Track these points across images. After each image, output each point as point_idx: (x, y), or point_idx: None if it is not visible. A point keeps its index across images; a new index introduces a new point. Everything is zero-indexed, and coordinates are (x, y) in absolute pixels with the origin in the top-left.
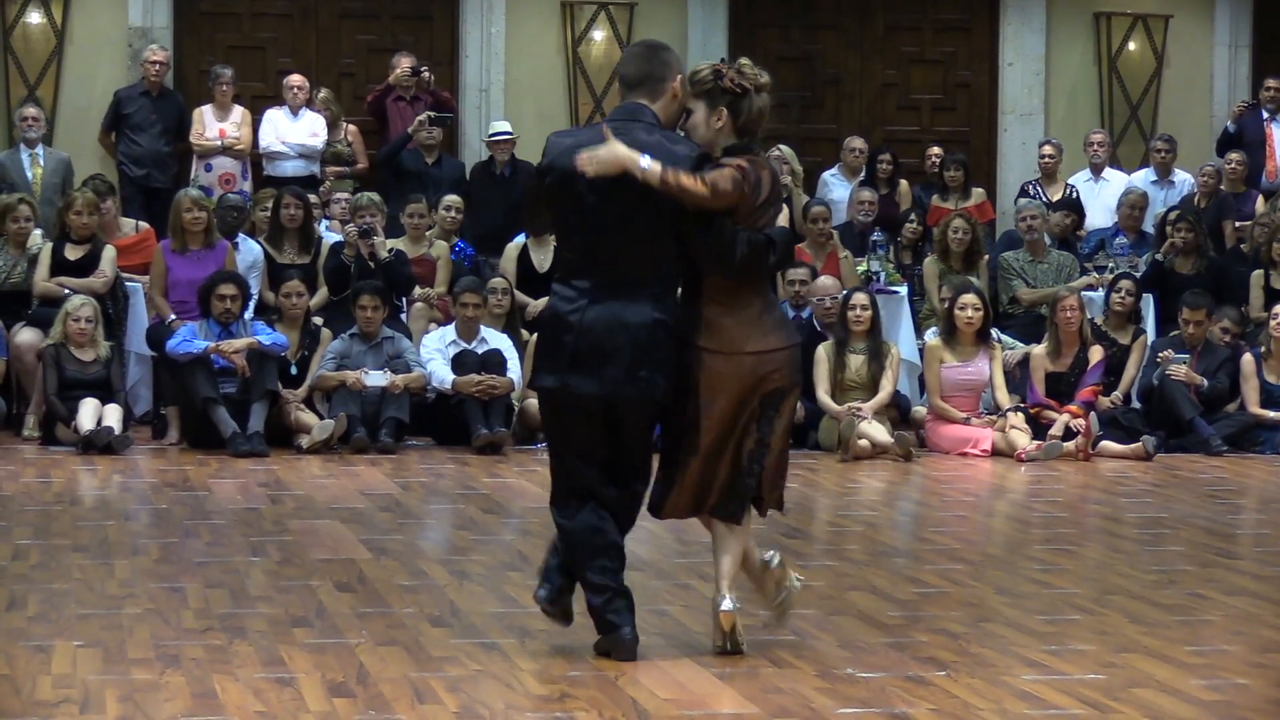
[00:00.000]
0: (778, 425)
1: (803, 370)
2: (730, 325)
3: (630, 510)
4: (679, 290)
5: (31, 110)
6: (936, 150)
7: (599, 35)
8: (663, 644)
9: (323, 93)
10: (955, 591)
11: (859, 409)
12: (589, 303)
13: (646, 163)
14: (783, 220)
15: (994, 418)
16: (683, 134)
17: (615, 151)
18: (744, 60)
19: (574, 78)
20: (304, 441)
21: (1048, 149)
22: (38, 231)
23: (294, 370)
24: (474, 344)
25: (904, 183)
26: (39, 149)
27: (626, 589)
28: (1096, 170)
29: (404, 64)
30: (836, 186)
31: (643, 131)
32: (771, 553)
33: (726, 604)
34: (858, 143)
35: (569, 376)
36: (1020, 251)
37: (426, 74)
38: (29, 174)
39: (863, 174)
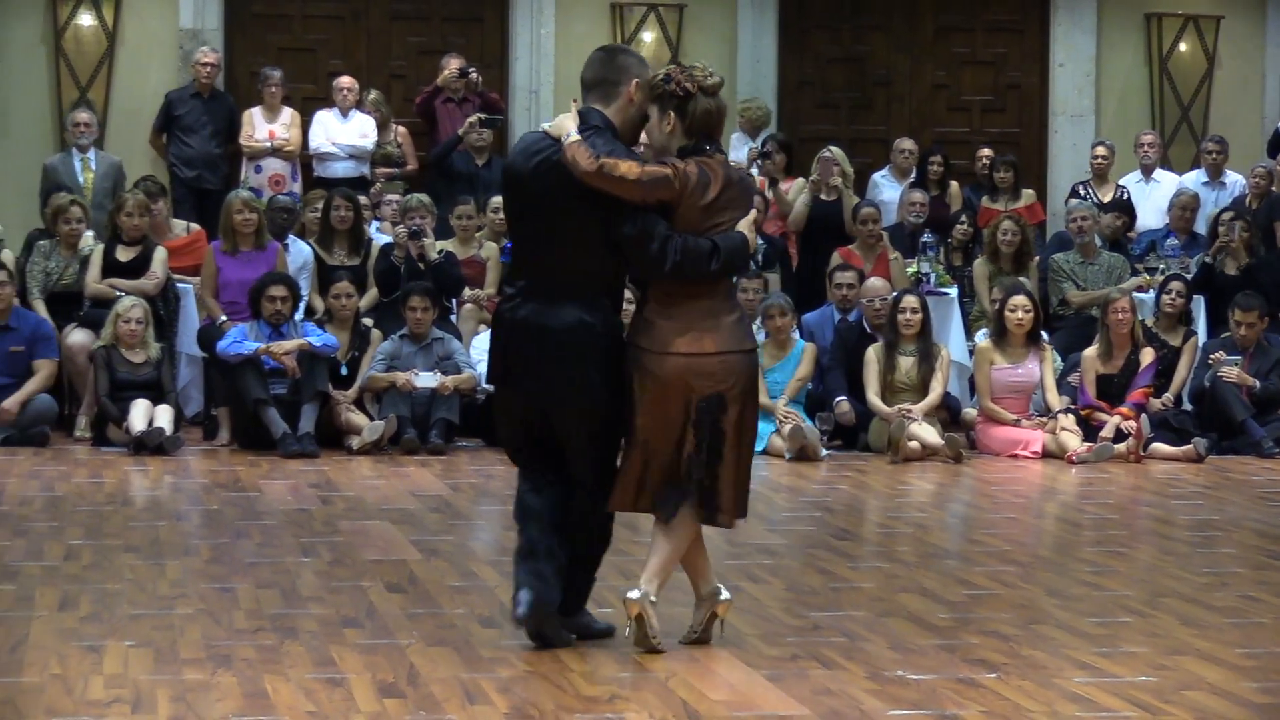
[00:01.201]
0: (727, 432)
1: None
2: (664, 325)
3: (581, 526)
4: (624, 293)
5: (83, 116)
6: (987, 152)
7: (648, 37)
8: (713, 645)
9: (373, 94)
10: (1006, 593)
11: (909, 411)
12: (520, 302)
13: (574, 136)
14: (744, 226)
15: (1044, 419)
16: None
17: (562, 122)
18: (697, 64)
19: None
20: (354, 442)
21: (1101, 150)
22: (89, 233)
23: (344, 371)
24: None
25: (954, 184)
26: (91, 152)
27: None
28: (1147, 171)
29: (452, 66)
30: (886, 188)
31: (595, 136)
32: (726, 594)
33: (633, 592)
34: (907, 144)
35: (505, 379)
36: (1071, 253)
37: (475, 75)
38: (80, 178)
39: (913, 175)
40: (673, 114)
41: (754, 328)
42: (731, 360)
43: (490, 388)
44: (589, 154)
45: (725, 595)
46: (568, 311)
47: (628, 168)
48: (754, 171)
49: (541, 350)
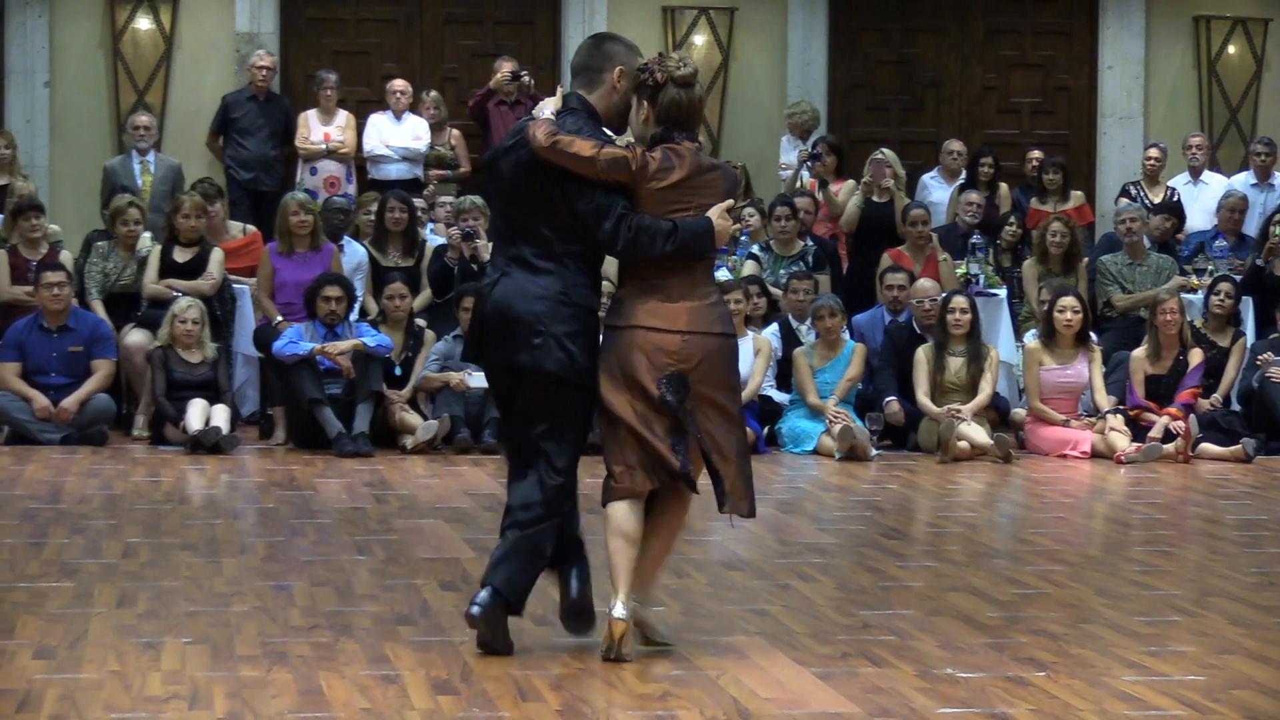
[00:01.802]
0: (697, 416)
1: (737, 369)
2: (632, 302)
3: (537, 499)
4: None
5: (143, 119)
6: (1037, 153)
7: (700, 40)
8: (764, 643)
9: (431, 94)
10: (1055, 592)
11: (958, 411)
12: (500, 277)
13: (544, 113)
14: (713, 212)
15: (1093, 420)
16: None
17: (544, 106)
18: (673, 54)
19: None
20: (408, 442)
21: (1154, 151)
22: (147, 234)
23: (398, 371)
24: None
25: (1004, 186)
26: (149, 156)
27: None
28: (1195, 173)
29: (505, 68)
30: (936, 189)
31: (569, 117)
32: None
33: (617, 610)
34: (956, 145)
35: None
36: (1119, 254)
37: (527, 78)
38: (139, 180)
39: (963, 177)
40: (646, 103)
41: (804, 328)
42: (695, 341)
43: None
44: (547, 129)
45: (619, 613)
46: (539, 284)
47: (582, 145)
48: (804, 174)
49: (513, 322)
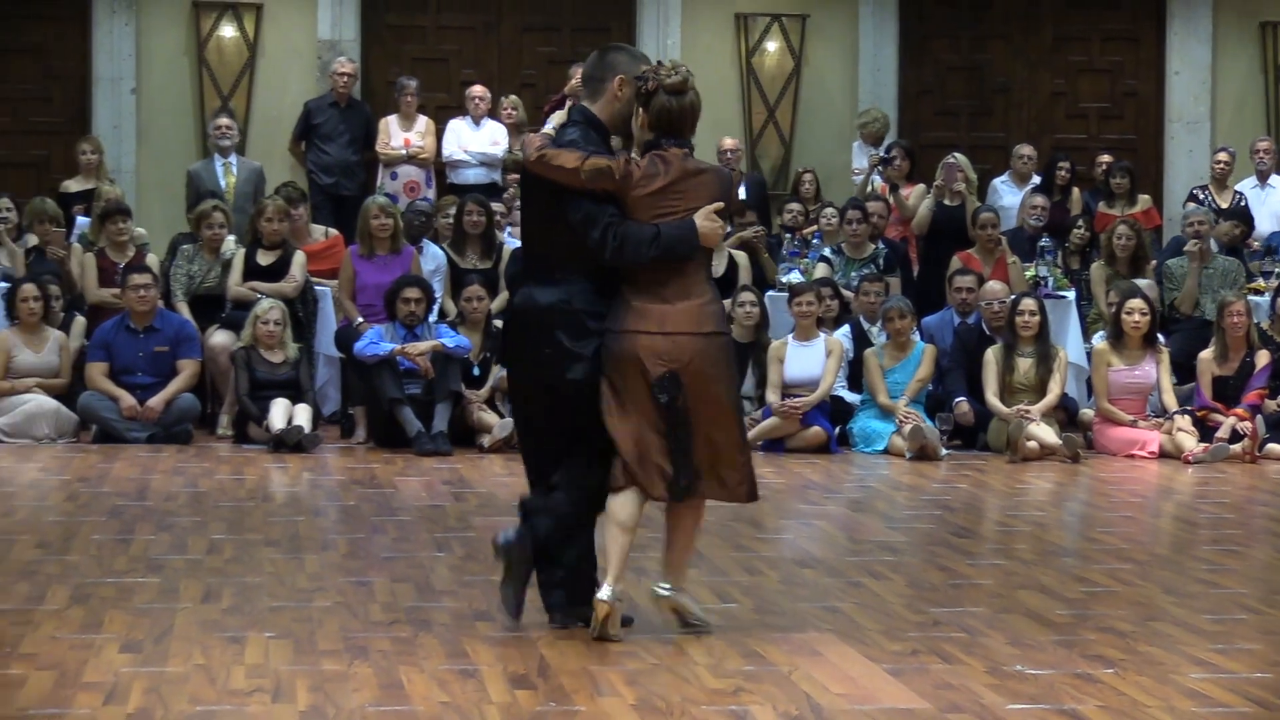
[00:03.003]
0: (689, 415)
1: (731, 364)
2: (628, 307)
3: (553, 510)
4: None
5: (224, 120)
6: (1107, 157)
7: (772, 46)
8: (835, 639)
9: (511, 97)
10: (1123, 590)
11: (1027, 411)
12: (518, 288)
13: (547, 127)
14: (699, 215)
15: (1161, 420)
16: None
17: (558, 120)
18: (667, 63)
19: (748, 88)
20: (486, 440)
21: (1222, 155)
22: (231, 237)
23: (476, 371)
24: None
25: (1075, 189)
26: (232, 158)
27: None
28: (1262, 177)
29: (579, 75)
30: (1006, 193)
31: (570, 129)
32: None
33: (661, 589)
34: (1027, 150)
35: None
36: (1186, 257)
37: None
38: (222, 182)
39: (1034, 180)
40: (641, 109)
41: (875, 330)
42: (683, 341)
43: None
44: (536, 144)
45: (604, 595)
46: (548, 292)
47: (566, 158)
48: (875, 179)
49: (526, 329)
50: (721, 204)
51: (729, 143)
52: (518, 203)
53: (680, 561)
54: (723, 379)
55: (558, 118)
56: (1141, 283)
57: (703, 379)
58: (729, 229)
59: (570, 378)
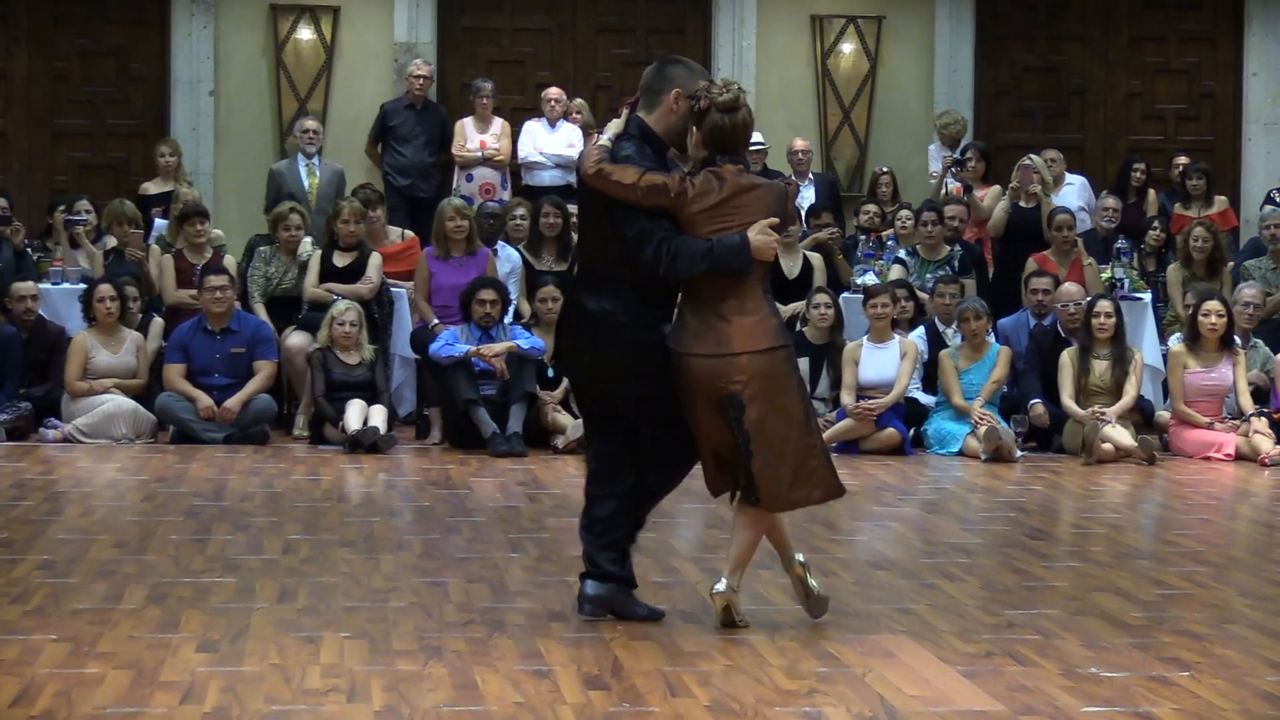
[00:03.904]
0: (751, 432)
1: (794, 374)
2: (688, 326)
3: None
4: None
5: (310, 123)
6: (1182, 159)
7: (848, 48)
8: (909, 641)
9: (576, 100)
10: (1199, 593)
11: (1103, 413)
12: (572, 292)
13: (604, 138)
14: (753, 230)
15: (1237, 423)
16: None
17: (613, 129)
18: (719, 81)
19: (823, 89)
20: (560, 442)
21: None
22: (308, 239)
23: (550, 373)
24: None
25: (1151, 191)
26: (315, 160)
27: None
28: None
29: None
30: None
31: (626, 142)
32: (801, 556)
33: (720, 585)
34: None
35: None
36: (1263, 259)
37: None
38: (305, 184)
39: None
40: (695, 127)
41: (950, 331)
42: (741, 361)
43: None
44: (594, 158)
45: (800, 558)
46: (596, 302)
47: (623, 173)
48: (949, 180)
49: (576, 336)
50: (776, 220)
51: (800, 144)
52: None
53: (739, 560)
54: (787, 392)
55: (614, 127)
56: (1245, 286)
57: (765, 396)
58: (796, 237)
59: (610, 387)
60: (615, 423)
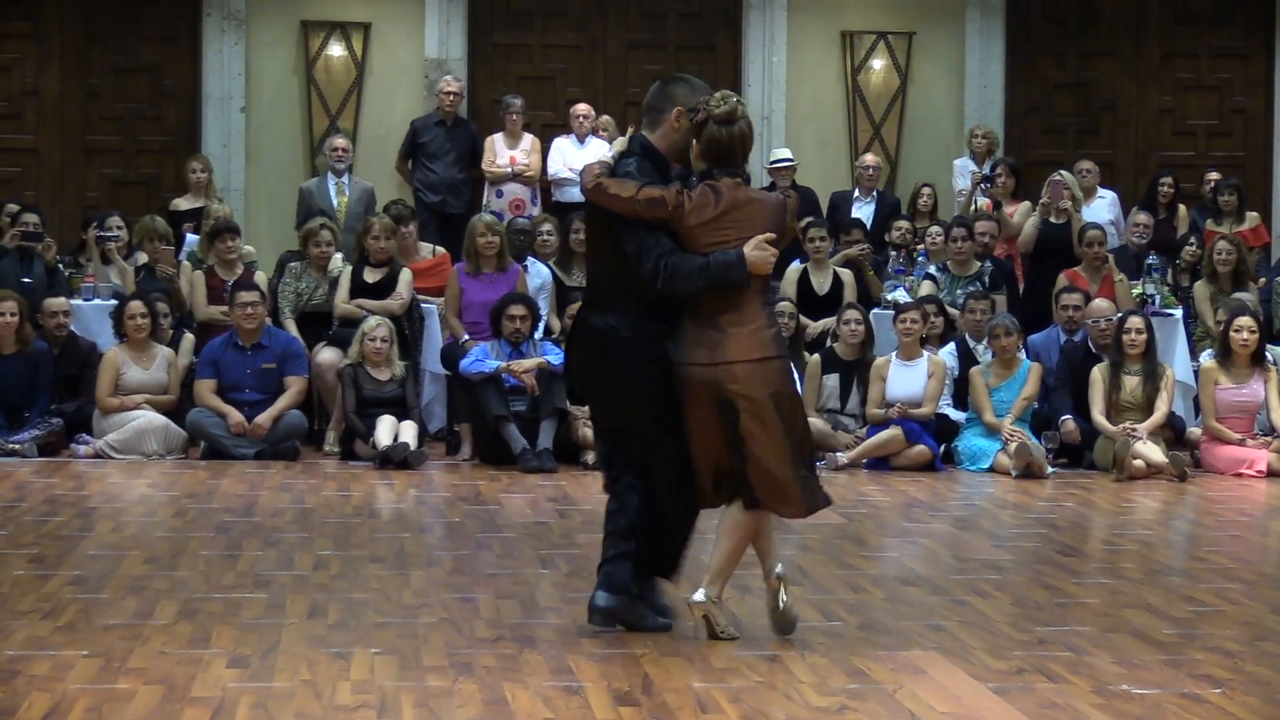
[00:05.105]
0: (744, 438)
1: (788, 386)
2: (689, 337)
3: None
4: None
5: (340, 142)
6: (1214, 175)
7: (878, 64)
8: (940, 658)
9: (603, 118)
10: (1231, 610)
11: (1134, 429)
12: (578, 312)
13: (608, 155)
14: (749, 245)
15: (1269, 439)
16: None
17: (615, 143)
18: (717, 94)
19: (853, 105)
20: (590, 457)
21: None
22: (338, 255)
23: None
24: None
25: (1182, 207)
26: (345, 178)
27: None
28: None
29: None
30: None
31: (628, 159)
32: (780, 568)
33: (698, 595)
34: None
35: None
36: None
37: None
38: (334, 202)
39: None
40: (695, 140)
41: (981, 347)
42: (737, 369)
43: None
44: (594, 173)
45: (779, 570)
46: (601, 318)
47: (622, 187)
48: (978, 197)
49: (580, 351)
50: (773, 234)
51: (870, 159)
52: None
53: (719, 570)
54: (779, 402)
55: (619, 144)
56: (1245, 296)
57: (756, 404)
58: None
59: (613, 402)
60: (621, 450)
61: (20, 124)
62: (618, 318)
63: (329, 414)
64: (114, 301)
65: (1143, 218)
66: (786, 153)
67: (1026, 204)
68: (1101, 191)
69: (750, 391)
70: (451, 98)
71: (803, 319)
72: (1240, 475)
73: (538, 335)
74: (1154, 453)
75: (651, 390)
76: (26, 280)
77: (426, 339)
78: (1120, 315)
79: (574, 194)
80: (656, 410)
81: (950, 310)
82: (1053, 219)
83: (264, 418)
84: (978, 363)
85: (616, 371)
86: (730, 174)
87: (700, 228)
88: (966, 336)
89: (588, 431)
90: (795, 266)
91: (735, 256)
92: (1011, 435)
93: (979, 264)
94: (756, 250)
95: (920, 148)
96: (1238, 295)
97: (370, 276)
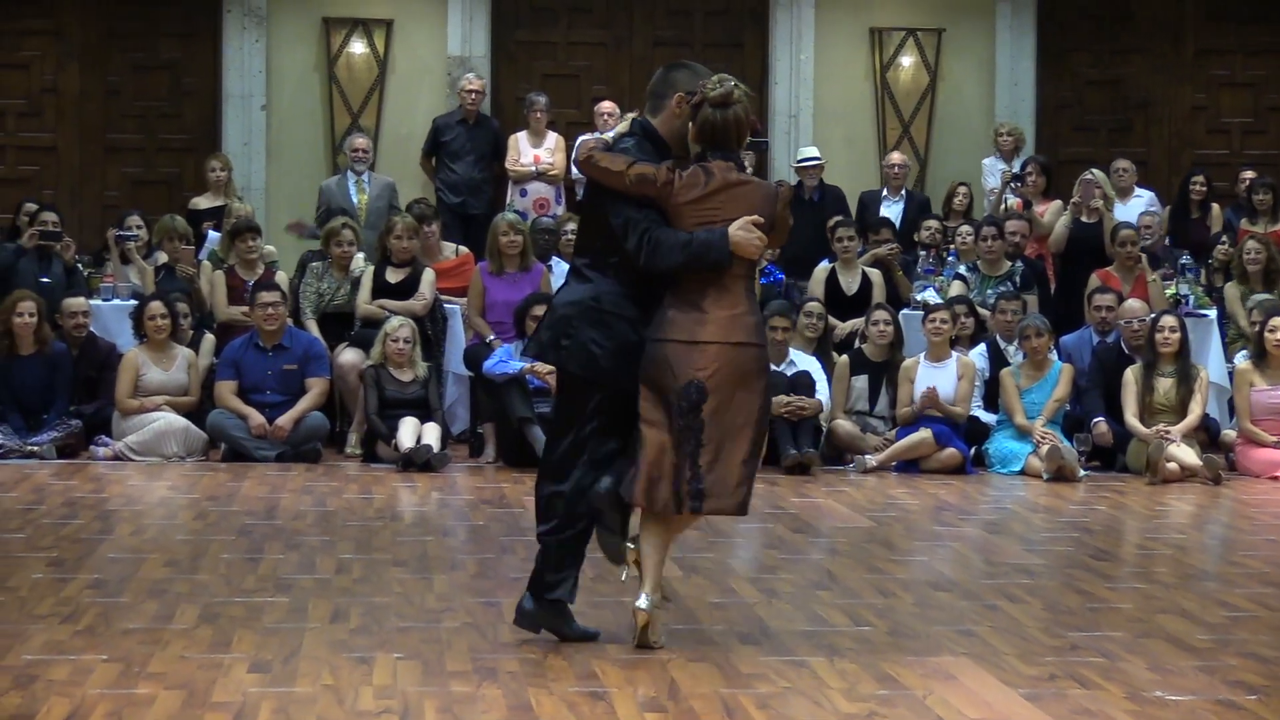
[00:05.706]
0: (705, 421)
1: (762, 378)
2: (667, 314)
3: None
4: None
5: (360, 141)
6: (1249, 173)
7: (907, 61)
8: (970, 664)
9: (628, 117)
10: (1266, 615)
11: (1168, 432)
12: (562, 285)
13: (608, 136)
14: (734, 225)
15: None
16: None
17: (618, 126)
18: (714, 77)
19: (882, 103)
20: None
21: None
22: (360, 255)
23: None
24: (783, 366)
25: (1216, 206)
26: (365, 175)
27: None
28: None
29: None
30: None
31: (628, 139)
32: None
33: (641, 601)
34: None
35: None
36: None
37: None
38: (354, 200)
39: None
40: (691, 123)
41: (1012, 348)
42: (713, 350)
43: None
44: (588, 147)
45: (649, 602)
46: (580, 289)
47: (613, 161)
48: (1009, 196)
49: (554, 323)
50: (760, 218)
51: (896, 158)
52: None
53: (657, 579)
54: (749, 391)
55: (621, 127)
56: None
57: (727, 388)
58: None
59: (582, 370)
60: (561, 411)
61: (40, 122)
62: (595, 290)
63: (351, 416)
64: (133, 302)
65: (1148, 218)
66: (814, 151)
67: (1057, 203)
68: (1139, 191)
69: (723, 374)
70: (473, 96)
71: (831, 319)
72: (1276, 478)
73: None
74: (1188, 455)
75: (622, 365)
76: (45, 280)
77: (449, 340)
78: (1153, 316)
79: None
80: (619, 385)
81: (980, 311)
82: (1084, 218)
83: (285, 419)
84: (1008, 364)
85: (584, 340)
86: (724, 157)
87: (687, 206)
88: (997, 337)
89: None
90: (823, 266)
91: (718, 235)
92: (1043, 438)
93: (1009, 264)
94: (742, 230)
95: (950, 146)
96: (1268, 295)
97: (393, 276)
